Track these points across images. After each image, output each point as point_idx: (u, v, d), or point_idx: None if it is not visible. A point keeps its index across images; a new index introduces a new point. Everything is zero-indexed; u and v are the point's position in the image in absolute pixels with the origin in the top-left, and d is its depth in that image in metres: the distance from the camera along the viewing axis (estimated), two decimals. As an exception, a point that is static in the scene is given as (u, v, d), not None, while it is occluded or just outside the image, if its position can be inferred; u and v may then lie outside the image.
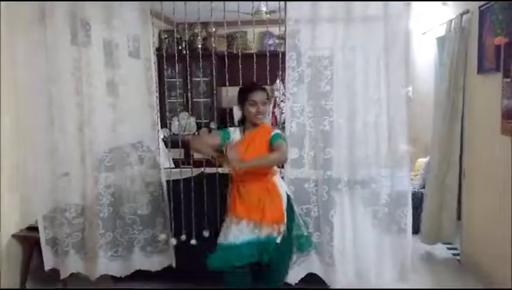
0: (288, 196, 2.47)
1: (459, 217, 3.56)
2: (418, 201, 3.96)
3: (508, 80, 2.62)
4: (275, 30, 3.27)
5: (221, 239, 2.39)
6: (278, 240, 2.32)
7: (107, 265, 2.97)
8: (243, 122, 2.54)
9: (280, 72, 3.01)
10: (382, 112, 2.81)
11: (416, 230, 3.69)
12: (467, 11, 3.19)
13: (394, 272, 2.80)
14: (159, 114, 2.95)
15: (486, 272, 3.00)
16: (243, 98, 2.45)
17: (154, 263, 2.98)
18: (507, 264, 2.73)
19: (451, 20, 3.40)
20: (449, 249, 3.73)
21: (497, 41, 2.62)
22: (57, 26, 2.83)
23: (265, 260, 2.33)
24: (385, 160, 2.83)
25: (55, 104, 2.87)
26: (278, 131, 2.48)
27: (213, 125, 3.17)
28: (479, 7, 2.97)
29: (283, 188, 2.48)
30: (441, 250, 3.73)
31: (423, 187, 4.13)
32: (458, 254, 3.57)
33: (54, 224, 2.96)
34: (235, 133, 2.51)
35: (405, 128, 2.81)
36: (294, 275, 2.82)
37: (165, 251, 2.97)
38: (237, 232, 2.34)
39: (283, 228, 2.36)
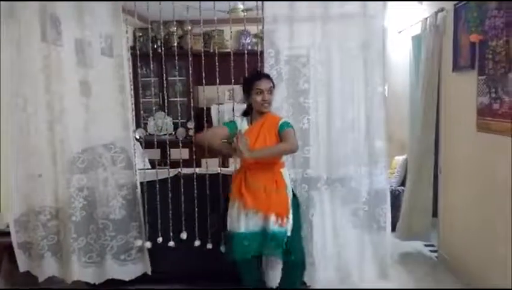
0: (293, 191, 2.52)
1: (435, 214, 3.60)
2: (395, 199, 4.00)
3: (483, 77, 2.65)
4: (252, 29, 3.25)
5: (232, 227, 2.42)
6: (289, 233, 2.36)
7: (81, 271, 2.86)
8: (248, 113, 2.55)
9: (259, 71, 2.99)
10: (359, 110, 2.83)
11: (393, 227, 3.73)
12: (442, 10, 3.22)
13: (374, 270, 2.82)
14: (134, 114, 2.88)
15: (463, 268, 3.04)
16: (248, 87, 2.45)
17: (128, 272, 2.88)
18: (483, 260, 2.77)
19: (426, 19, 3.43)
20: (426, 245, 3.77)
21: (472, 38, 2.65)
22: (26, 22, 2.72)
23: (278, 254, 2.40)
24: (363, 158, 2.85)
25: (25, 103, 2.75)
26: (285, 119, 2.50)
27: (190, 125, 3.10)
28: (455, 5, 3.01)
29: (289, 182, 2.50)
30: (417, 247, 3.77)
31: (400, 185, 4.18)
32: (436, 251, 3.60)
33: (27, 227, 2.85)
34: (242, 124, 2.52)
35: (382, 126, 2.83)
36: (274, 278, 2.75)
37: (140, 259, 2.88)
38: (246, 221, 2.37)
39: (288, 220, 2.38)
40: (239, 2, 4.44)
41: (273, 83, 2.49)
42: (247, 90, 2.46)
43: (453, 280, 3.09)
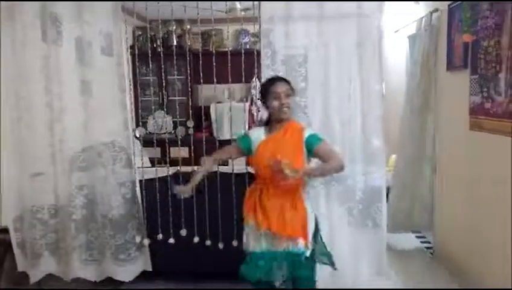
0: (311, 209, 2.28)
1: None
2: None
3: (475, 76, 2.70)
4: (251, 28, 3.28)
5: (247, 246, 2.27)
6: (307, 254, 2.16)
7: (81, 269, 2.91)
8: (267, 122, 2.34)
9: (256, 70, 3.02)
10: (356, 109, 2.85)
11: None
12: (437, 10, 3.27)
13: (370, 267, 2.85)
14: (133, 112, 2.91)
15: (458, 264, 3.09)
16: (265, 92, 2.27)
17: (127, 272, 2.90)
18: (477, 255, 2.82)
19: (421, 19, 3.48)
20: (422, 242, 3.82)
21: (465, 38, 2.70)
22: (26, 22, 2.75)
23: (289, 277, 2.16)
24: (360, 156, 2.87)
25: (26, 103, 2.79)
26: (310, 130, 2.30)
27: (189, 123, 3.13)
28: (449, 5, 3.05)
29: (308, 199, 2.27)
30: (413, 243, 3.81)
31: (397, 182, 4.23)
32: (431, 247, 3.66)
33: (26, 226, 2.89)
34: (257, 134, 2.32)
35: (379, 124, 2.86)
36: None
37: (139, 258, 2.92)
38: (260, 241, 2.20)
39: (307, 243, 2.16)
40: (237, 2, 4.49)
41: (291, 87, 2.29)
42: (265, 97, 2.27)
43: (448, 276, 3.14)
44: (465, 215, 2.99)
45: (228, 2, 3.13)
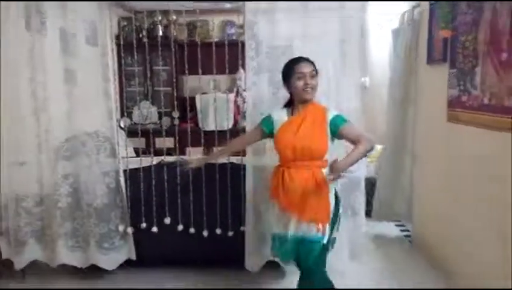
0: (336, 193, 2.24)
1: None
2: (373, 186, 4.15)
3: (454, 70, 2.78)
4: (237, 19, 3.29)
5: (271, 227, 2.30)
6: (325, 240, 2.13)
7: (67, 255, 2.94)
8: (289, 104, 2.31)
9: (240, 62, 3.05)
10: (337, 101, 2.90)
11: (367, 213, 3.89)
12: (418, 5, 3.34)
13: (349, 253, 2.94)
14: (118, 103, 2.92)
15: (435, 251, 3.19)
16: (287, 73, 2.22)
17: (111, 260, 2.93)
18: (452, 243, 2.92)
19: (404, 13, 3.55)
20: (402, 231, 3.93)
21: (444, 33, 2.77)
22: (10, 11, 2.73)
23: (309, 263, 2.16)
24: (340, 147, 2.92)
25: (11, 93, 2.79)
26: (334, 111, 2.23)
27: (175, 114, 3.16)
28: (430, 1, 3.12)
29: (332, 184, 2.19)
30: (393, 230, 3.93)
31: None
32: (410, 235, 3.77)
33: (11, 214, 2.90)
34: (280, 114, 2.29)
35: (360, 116, 2.92)
36: (254, 264, 2.90)
37: (122, 247, 2.95)
38: (284, 223, 2.19)
39: (326, 230, 2.13)
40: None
41: (315, 68, 2.22)
42: (287, 78, 2.22)
43: (426, 263, 3.25)
44: (442, 203, 3.09)
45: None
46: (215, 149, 2.56)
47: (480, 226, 2.52)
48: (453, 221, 2.90)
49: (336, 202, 2.21)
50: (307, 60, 2.23)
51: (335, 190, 2.23)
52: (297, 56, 2.34)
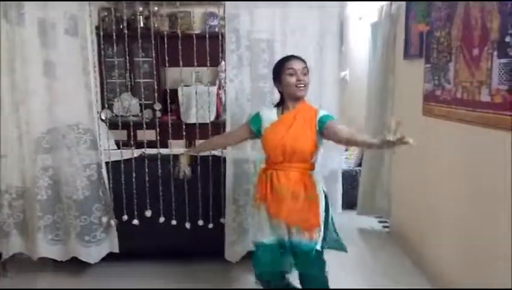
0: (325, 193, 2.17)
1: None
2: (352, 179, 4.25)
3: (428, 65, 2.85)
4: (219, 11, 3.29)
5: (256, 236, 2.20)
6: (318, 246, 2.06)
7: (47, 248, 2.94)
8: (279, 104, 2.24)
9: (221, 54, 3.07)
10: (317, 95, 2.95)
11: (351, 205, 3.99)
12: (396, -1, 3.40)
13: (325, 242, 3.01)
14: (99, 94, 2.90)
15: (412, 241, 3.29)
16: (278, 70, 2.16)
17: (92, 253, 2.92)
18: (428, 234, 3.02)
19: (382, 7, 3.61)
20: (380, 222, 4.03)
21: (420, 28, 2.84)
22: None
23: (300, 271, 2.15)
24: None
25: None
26: (324, 110, 2.17)
27: (157, 107, 3.16)
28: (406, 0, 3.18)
29: (321, 186, 2.15)
30: (372, 223, 4.02)
31: (358, 165, 4.41)
32: (388, 227, 3.87)
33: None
34: (269, 114, 2.21)
35: (337, 109, 2.98)
36: (234, 254, 2.94)
37: (104, 240, 2.96)
38: (271, 230, 2.12)
39: (318, 233, 2.06)
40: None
41: (307, 66, 2.17)
42: (278, 76, 2.16)
43: (401, 253, 3.35)
44: (417, 195, 3.18)
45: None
46: (197, 142, 2.53)
47: (457, 218, 2.60)
48: (429, 213, 2.98)
49: (326, 202, 2.16)
50: (298, 57, 2.19)
51: (323, 189, 2.17)
52: (290, 54, 2.27)
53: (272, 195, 2.09)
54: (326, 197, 2.17)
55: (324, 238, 2.12)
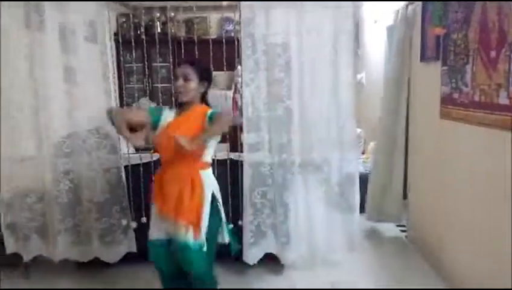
0: (214, 197, 2.18)
1: (405, 197, 3.81)
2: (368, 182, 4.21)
3: (445, 68, 2.83)
4: (235, 16, 3.32)
5: (150, 232, 2.22)
6: (204, 248, 2.10)
7: (68, 250, 3.01)
8: (180, 106, 2.24)
9: (237, 59, 3.09)
10: (333, 97, 2.96)
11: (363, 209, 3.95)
12: (412, 2, 3.38)
13: (343, 245, 3.02)
14: (118, 99, 2.96)
15: (431, 247, 3.25)
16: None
17: (113, 254, 3.00)
18: (446, 239, 2.99)
19: (398, 10, 3.59)
20: (397, 225, 3.99)
21: (436, 31, 2.82)
22: (10, 9, 2.77)
23: (185, 268, 2.14)
24: (336, 143, 3.00)
25: (11, 90, 2.84)
26: (215, 109, 2.21)
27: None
28: (422, 0, 3.17)
29: (211, 187, 2.18)
30: (388, 227, 3.97)
31: (375, 169, 4.37)
32: (405, 231, 3.83)
33: (14, 209, 2.97)
34: (169, 114, 2.24)
35: (354, 112, 2.98)
36: (252, 256, 2.95)
37: (124, 240, 3.01)
38: (160, 227, 2.16)
39: (200, 233, 2.09)
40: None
41: (198, 72, 2.15)
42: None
43: (420, 260, 3.29)
44: (437, 200, 3.14)
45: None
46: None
47: (475, 222, 2.56)
48: (447, 217, 2.95)
49: (214, 205, 2.17)
50: (188, 62, 2.18)
51: (213, 191, 2.18)
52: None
53: (161, 194, 2.14)
54: (215, 199, 2.18)
55: (207, 239, 2.12)
